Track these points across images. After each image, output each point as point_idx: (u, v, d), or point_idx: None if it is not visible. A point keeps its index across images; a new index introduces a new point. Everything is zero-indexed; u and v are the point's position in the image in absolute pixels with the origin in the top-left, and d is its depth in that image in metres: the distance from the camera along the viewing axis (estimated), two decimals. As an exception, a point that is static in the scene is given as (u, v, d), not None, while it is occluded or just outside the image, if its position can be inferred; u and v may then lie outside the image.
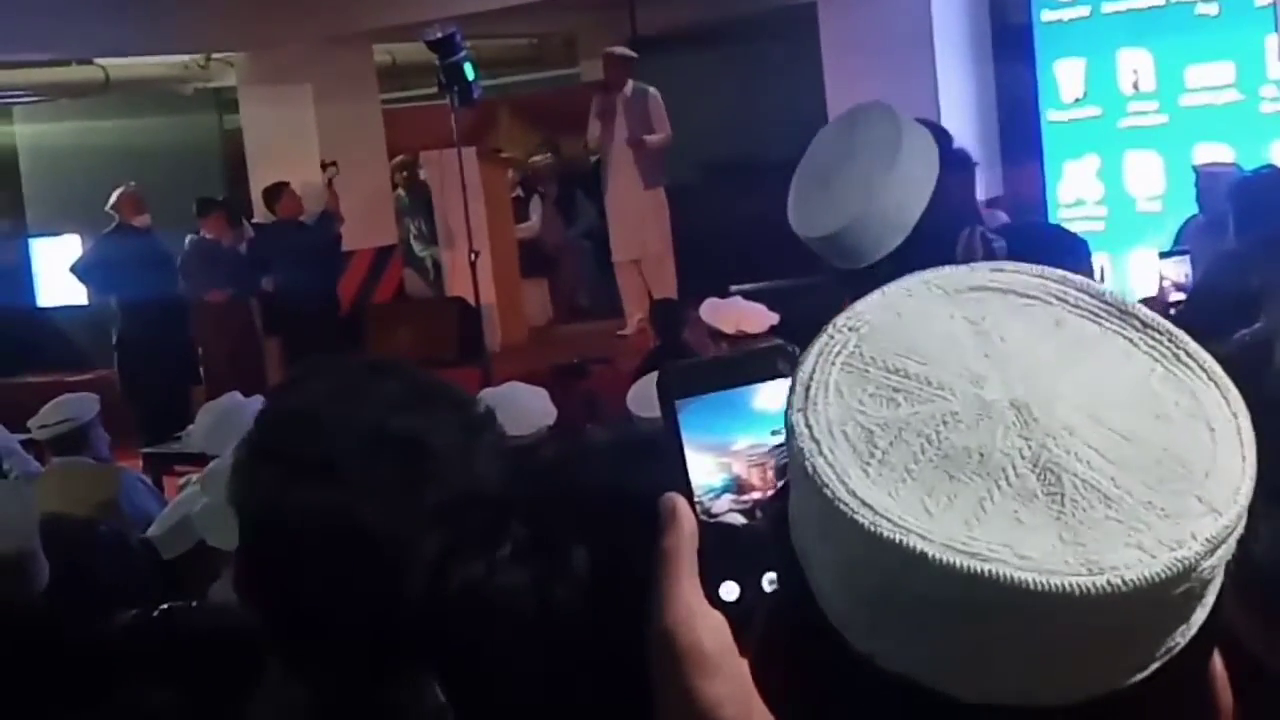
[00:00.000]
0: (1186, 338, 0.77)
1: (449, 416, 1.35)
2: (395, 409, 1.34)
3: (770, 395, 0.89)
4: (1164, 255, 5.97)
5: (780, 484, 0.84)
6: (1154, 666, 0.70)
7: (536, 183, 14.18)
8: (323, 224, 11.50)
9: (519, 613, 1.02)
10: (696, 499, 0.88)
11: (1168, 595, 0.68)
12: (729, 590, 0.87)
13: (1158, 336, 0.77)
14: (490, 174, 12.07)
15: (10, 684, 3.08)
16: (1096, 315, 0.78)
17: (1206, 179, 7.44)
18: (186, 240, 11.32)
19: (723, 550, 0.87)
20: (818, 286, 9.43)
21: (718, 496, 0.88)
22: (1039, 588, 0.67)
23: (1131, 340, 0.77)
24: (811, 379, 0.76)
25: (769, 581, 0.87)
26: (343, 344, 10.97)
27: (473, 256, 9.69)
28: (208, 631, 3.45)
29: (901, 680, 0.71)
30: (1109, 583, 0.67)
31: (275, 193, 11.37)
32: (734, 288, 7.68)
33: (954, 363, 0.74)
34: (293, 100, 12.10)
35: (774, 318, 6.51)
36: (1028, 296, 0.79)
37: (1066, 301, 0.78)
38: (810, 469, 0.72)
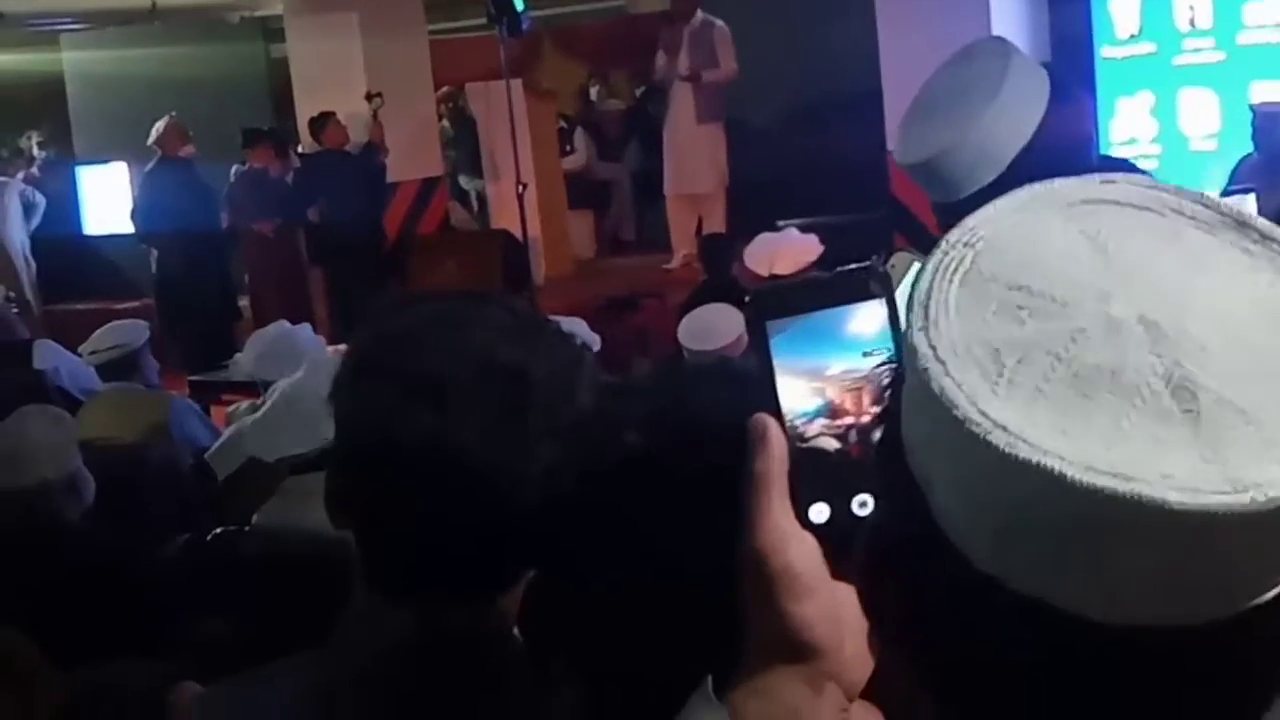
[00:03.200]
0: None
1: (551, 348, 1.35)
2: (501, 337, 1.33)
3: (863, 318, 0.88)
4: (1226, 193, 5.88)
5: (885, 404, 0.83)
6: None
7: (604, 125, 14.11)
8: (367, 155, 11.49)
9: (615, 533, 1.02)
10: (789, 423, 0.87)
11: None
12: (819, 512, 0.87)
13: (1277, 247, 0.75)
14: (536, 106, 12.03)
15: (62, 606, 3.11)
16: (1212, 227, 0.76)
17: (1264, 118, 7.35)
18: (233, 170, 11.33)
19: (813, 473, 0.87)
20: (866, 223, 9.43)
21: (810, 421, 0.88)
22: (1183, 507, 0.65)
23: (1250, 251, 0.75)
24: (930, 297, 0.74)
25: (859, 504, 0.86)
26: (387, 275, 10.99)
27: (520, 189, 9.67)
28: (260, 556, 3.48)
29: (1030, 602, 0.70)
30: (1253, 500, 0.66)
31: (321, 122, 11.35)
32: (781, 222, 7.64)
33: (1076, 278, 0.72)
34: (339, 30, 12.05)
35: (814, 253, 6.47)
36: (1142, 209, 0.77)
37: (1182, 213, 0.76)
38: (938, 389, 0.70)
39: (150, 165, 10.96)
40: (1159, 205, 0.77)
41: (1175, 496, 0.65)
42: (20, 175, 13.98)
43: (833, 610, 0.87)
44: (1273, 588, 0.69)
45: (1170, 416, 0.68)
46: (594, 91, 14.75)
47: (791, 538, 0.86)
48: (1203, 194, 0.77)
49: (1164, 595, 0.68)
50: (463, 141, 13.57)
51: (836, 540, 0.86)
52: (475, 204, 13.56)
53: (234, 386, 7.75)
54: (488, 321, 1.35)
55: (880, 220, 9.16)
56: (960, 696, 0.76)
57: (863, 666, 0.89)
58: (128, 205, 11.35)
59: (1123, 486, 0.65)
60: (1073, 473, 0.66)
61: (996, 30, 8.66)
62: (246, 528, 3.74)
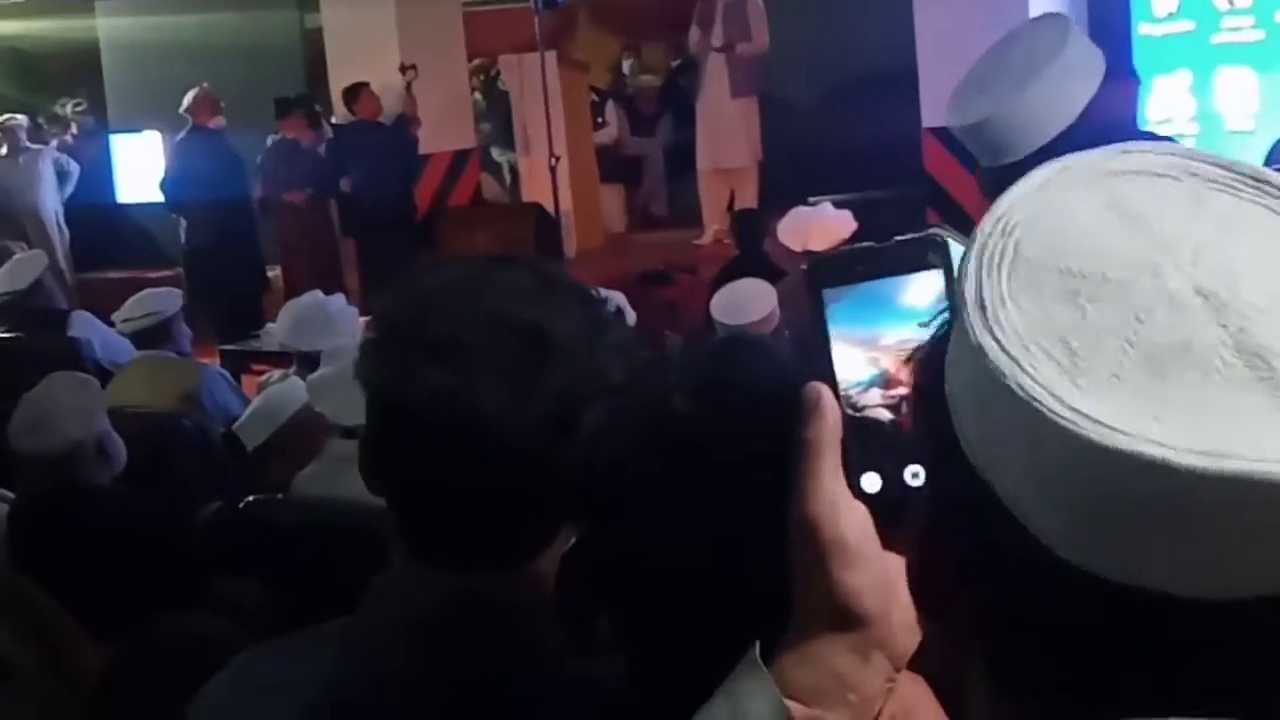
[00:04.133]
0: None
1: (573, 309, 1.34)
2: (519, 297, 1.33)
3: (919, 288, 0.87)
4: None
5: (920, 387, 0.81)
6: None
7: (637, 100, 14.08)
8: (399, 126, 11.48)
9: (663, 499, 1.01)
10: (843, 391, 0.87)
11: None
12: (871, 482, 0.86)
13: None
14: (569, 79, 12.01)
15: (92, 568, 3.12)
16: (1232, 187, 0.75)
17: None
18: (268, 141, 11.33)
19: (865, 442, 0.86)
20: (898, 199, 9.43)
21: (865, 390, 0.87)
22: None
23: (1272, 209, 0.74)
24: (983, 294, 0.73)
25: (911, 474, 0.86)
26: (419, 247, 10.99)
27: (553, 162, 9.65)
28: (292, 523, 3.50)
29: (1104, 580, 0.69)
30: None
31: (355, 93, 11.34)
32: (812, 198, 7.62)
33: (1122, 254, 0.71)
34: (373, 0, 12.04)
35: (849, 229, 6.46)
36: (1161, 175, 0.76)
37: (1199, 176, 0.75)
38: (1016, 387, 0.69)
39: (180, 135, 10.98)
40: (1176, 170, 0.76)
41: (1275, 467, 0.64)
42: (54, 143, 14.02)
43: (882, 579, 0.86)
44: None
45: (1249, 386, 0.67)
46: (627, 65, 14.71)
47: (843, 506, 0.86)
48: (1217, 156, 0.77)
49: (1268, 567, 0.68)
50: (495, 114, 13.56)
51: (888, 510, 0.86)
52: (507, 176, 13.55)
53: (264, 356, 7.78)
54: (506, 282, 1.35)
55: (913, 196, 9.13)
56: (1016, 665, 0.76)
57: (910, 636, 0.88)
58: (160, 174, 11.39)
59: (1225, 465, 0.65)
60: (1174, 457, 0.65)
61: (1034, 5, 8.61)
62: (280, 495, 3.76)
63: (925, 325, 0.86)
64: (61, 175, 13.31)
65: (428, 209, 11.98)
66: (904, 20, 9.28)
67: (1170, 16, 9.28)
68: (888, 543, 0.86)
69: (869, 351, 0.87)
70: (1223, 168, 0.76)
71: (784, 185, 9.87)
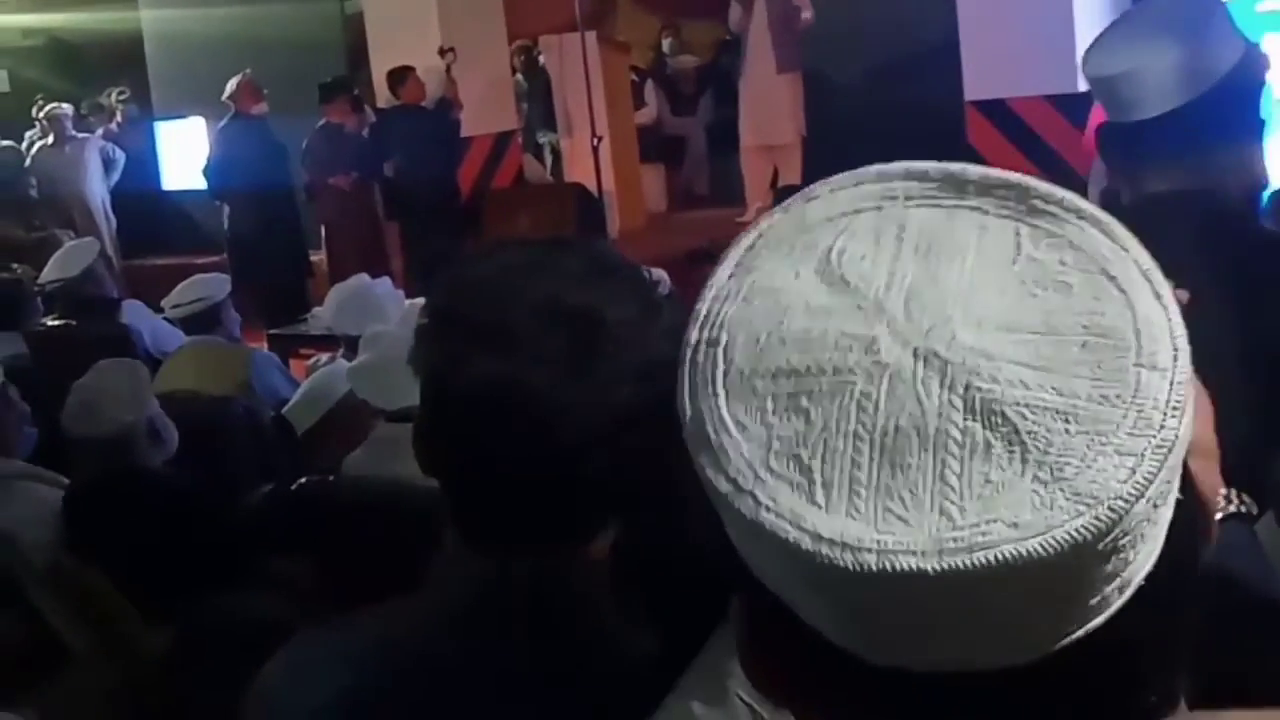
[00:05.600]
0: (1034, 181, 0.67)
1: (627, 294, 1.33)
2: (572, 282, 1.32)
3: None
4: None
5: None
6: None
7: (677, 80, 14.04)
8: (442, 109, 11.50)
9: (685, 484, 1.02)
10: None
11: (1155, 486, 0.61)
12: None
13: (1004, 193, 0.67)
14: (610, 59, 11.99)
15: (149, 553, 3.16)
16: (934, 198, 0.68)
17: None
18: (317, 125, 11.37)
19: None
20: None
21: None
22: (1052, 551, 0.59)
23: (982, 209, 0.67)
24: (704, 419, 0.65)
25: None
26: (462, 230, 11.02)
27: (595, 142, 9.64)
28: (345, 504, 3.52)
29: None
30: (1110, 509, 0.59)
31: (400, 76, 11.34)
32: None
33: (831, 333, 0.64)
34: (413, -17, 12.05)
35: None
36: (862, 211, 0.69)
37: (899, 197, 0.68)
38: (766, 527, 0.62)
39: (223, 122, 11.04)
40: (872, 200, 0.69)
41: (1036, 545, 0.59)
42: (100, 131, 14.11)
43: None
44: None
45: (990, 450, 0.61)
46: (666, 45, 14.68)
47: None
48: (909, 165, 0.70)
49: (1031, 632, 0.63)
50: (536, 95, 13.55)
51: None
52: (549, 158, 13.55)
53: (312, 340, 7.82)
54: (559, 267, 1.34)
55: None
56: None
57: None
58: (204, 161, 11.46)
59: (986, 556, 0.59)
60: (933, 565, 0.59)
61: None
62: (331, 477, 3.78)
63: None
64: (107, 163, 13.41)
65: (471, 191, 12.00)
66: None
67: (1215, -15, 9.20)
68: None
69: None
70: (917, 179, 0.69)
71: (827, 161, 9.81)
